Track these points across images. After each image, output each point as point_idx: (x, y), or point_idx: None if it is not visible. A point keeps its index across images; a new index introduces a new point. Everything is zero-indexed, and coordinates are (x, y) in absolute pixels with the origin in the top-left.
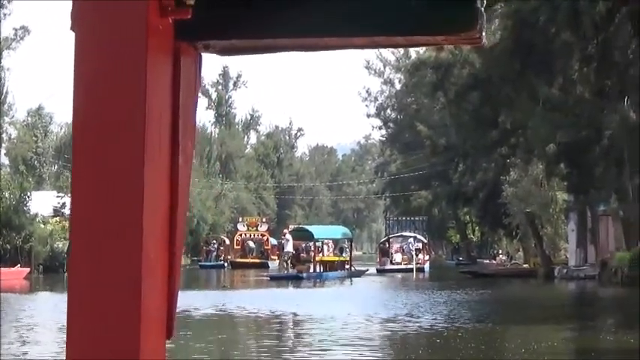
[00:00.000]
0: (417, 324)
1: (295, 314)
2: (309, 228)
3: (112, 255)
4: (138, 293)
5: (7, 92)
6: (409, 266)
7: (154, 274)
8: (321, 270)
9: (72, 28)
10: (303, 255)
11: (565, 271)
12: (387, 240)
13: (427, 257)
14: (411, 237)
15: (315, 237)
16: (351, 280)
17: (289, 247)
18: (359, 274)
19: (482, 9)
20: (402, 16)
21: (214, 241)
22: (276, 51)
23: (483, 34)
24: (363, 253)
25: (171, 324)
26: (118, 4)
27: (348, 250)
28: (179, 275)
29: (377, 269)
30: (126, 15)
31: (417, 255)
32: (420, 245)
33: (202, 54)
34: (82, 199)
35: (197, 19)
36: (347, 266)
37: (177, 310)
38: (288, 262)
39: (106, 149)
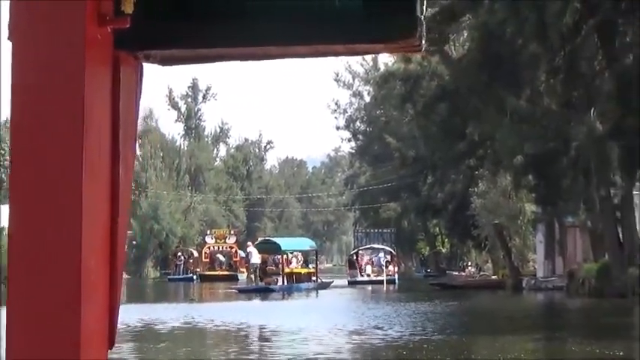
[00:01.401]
0: (384, 336)
1: (263, 327)
2: (276, 240)
3: (51, 267)
4: (77, 305)
5: None
6: (379, 278)
7: (94, 285)
8: (288, 282)
9: (9, 38)
10: (271, 267)
11: (533, 282)
12: (357, 252)
13: (396, 269)
14: (380, 249)
15: (283, 249)
16: (317, 293)
17: (255, 259)
18: (326, 285)
19: (422, 17)
20: (342, 24)
21: (182, 254)
22: (216, 60)
23: (423, 41)
24: (334, 265)
25: (113, 334)
26: (56, 13)
27: (314, 262)
28: (120, 285)
29: (348, 281)
30: (63, 24)
31: (386, 267)
32: (389, 257)
33: (144, 64)
34: (19, 210)
35: (137, 28)
36: (313, 278)
37: (145, 324)
38: (256, 274)
39: (45, 160)
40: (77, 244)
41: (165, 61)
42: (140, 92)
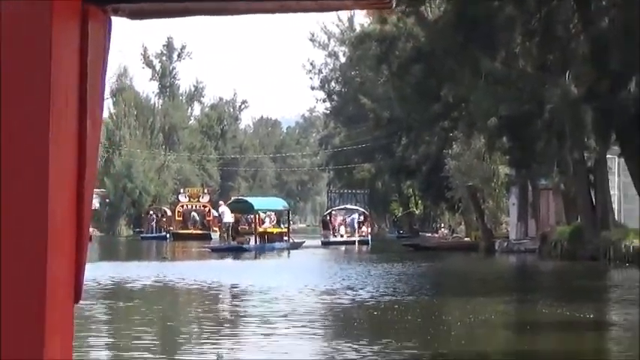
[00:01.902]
0: (355, 296)
1: (234, 286)
2: (249, 199)
3: (18, 221)
4: (44, 258)
5: None
6: (352, 239)
7: (60, 239)
8: (261, 242)
9: None
10: (244, 227)
11: (506, 244)
12: (330, 213)
13: (370, 230)
14: (354, 210)
15: (255, 208)
16: (289, 253)
17: (228, 219)
18: (297, 245)
19: None
20: None
21: (155, 213)
22: (185, 15)
23: None
24: (307, 225)
25: (79, 289)
26: None
27: (286, 222)
28: (87, 240)
29: (321, 242)
30: None
31: (360, 228)
32: (362, 218)
33: (112, 18)
34: None
35: None
36: (285, 238)
37: (116, 281)
38: (228, 233)
39: (10, 114)
40: (44, 197)
41: (134, 15)
42: (109, 46)
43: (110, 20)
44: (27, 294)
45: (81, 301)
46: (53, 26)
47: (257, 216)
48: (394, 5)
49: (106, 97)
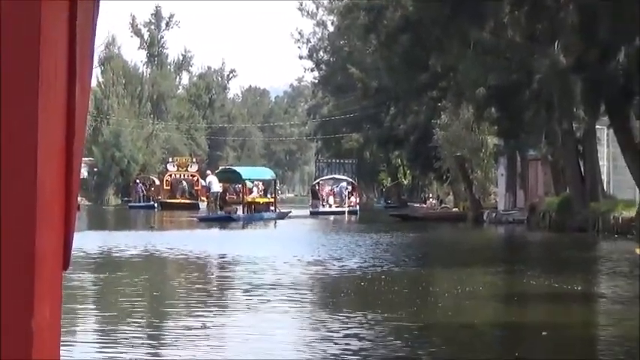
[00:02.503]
0: (343, 267)
1: (221, 256)
2: (237, 169)
3: (6, 189)
4: (32, 226)
5: None
6: (341, 209)
7: (49, 208)
8: (248, 212)
9: None
10: (232, 196)
11: (494, 215)
12: (319, 183)
13: (358, 200)
14: (342, 179)
15: (243, 178)
16: (275, 223)
17: (216, 188)
18: (283, 215)
19: None
20: None
21: (143, 182)
22: None
23: None
24: (295, 195)
25: (68, 256)
26: None
27: (272, 191)
28: (76, 209)
29: (310, 212)
30: None
31: (348, 198)
32: (351, 188)
33: None
34: None
35: None
36: (272, 208)
37: (103, 251)
38: (216, 202)
39: (1, 82)
40: (32, 165)
41: None
42: (97, 14)
43: None
44: (16, 261)
45: (68, 271)
46: None
47: (244, 185)
48: None
49: (94, 65)
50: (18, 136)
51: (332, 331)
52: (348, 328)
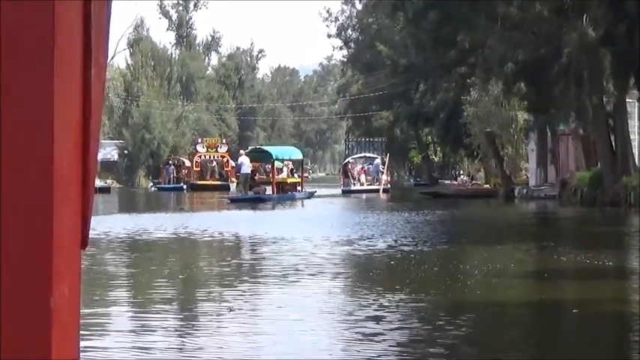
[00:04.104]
0: (369, 246)
1: (251, 237)
2: (267, 148)
3: (23, 169)
4: (50, 204)
5: None
6: (373, 187)
7: (66, 187)
8: (278, 192)
9: None
10: (262, 177)
11: (525, 191)
12: (349, 161)
13: (389, 178)
14: (373, 157)
15: (274, 157)
16: (302, 202)
17: (246, 170)
18: (310, 195)
19: None
20: None
21: (173, 163)
22: None
23: None
24: (326, 174)
25: (86, 235)
26: None
27: (299, 171)
28: (93, 188)
29: (342, 190)
30: None
31: (380, 176)
32: (382, 166)
33: None
34: None
35: None
36: (299, 188)
37: (133, 232)
38: (246, 183)
39: (12, 60)
40: (49, 145)
41: None
42: None
43: None
44: (33, 240)
45: (93, 252)
46: None
47: (273, 165)
48: None
49: (123, 48)
50: (33, 116)
51: (363, 308)
52: (379, 306)
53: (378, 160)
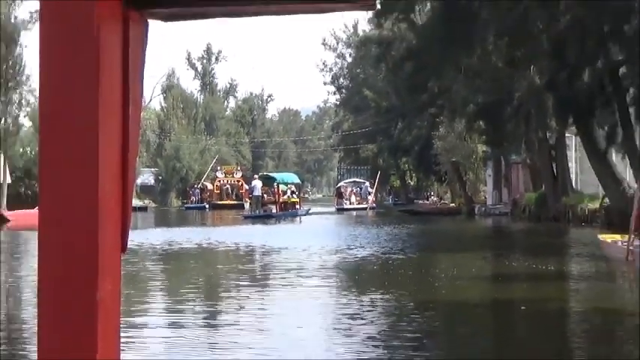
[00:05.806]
0: (355, 254)
1: (261, 247)
2: (272, 174)
3: (74, 186)
4: (95, 218)
5: (24, 65)
6: (362, 205)
7: (109, 204)
8: (280, 210)
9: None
10: (270, 197)
11: (484, 209)
12: (342, 185)
13: (374, 198)
14: (362, 182)
15: (277, 181)
16: (300, 219)
17: (257, 192)
18: (306, 212)
19: None
20: None
21: (198, 187)
22: (205, 18)
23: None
24: (322, 195)
25: (125, 242)
26: None
27: (297, 193)
28: (131, 203)
29: (336, 208)
30: None
31: (368, 196)
32: (369, 189)
33: (149, 20)
34: (48, 142)
35: None
36: (297, 207)
37: (161, 243)
38: (258, 203)
39: (67, 101)
40: (95, 171)
41: (168, 18)
42: (146, 45)
43: (147, 22)
44: (83, 247)
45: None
46: (101, 28)
47: (278, 188)
48: (377, 5)
49: (157, 94)
50: (82, 147)
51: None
52: (361, 305)
53: (367, 184)
